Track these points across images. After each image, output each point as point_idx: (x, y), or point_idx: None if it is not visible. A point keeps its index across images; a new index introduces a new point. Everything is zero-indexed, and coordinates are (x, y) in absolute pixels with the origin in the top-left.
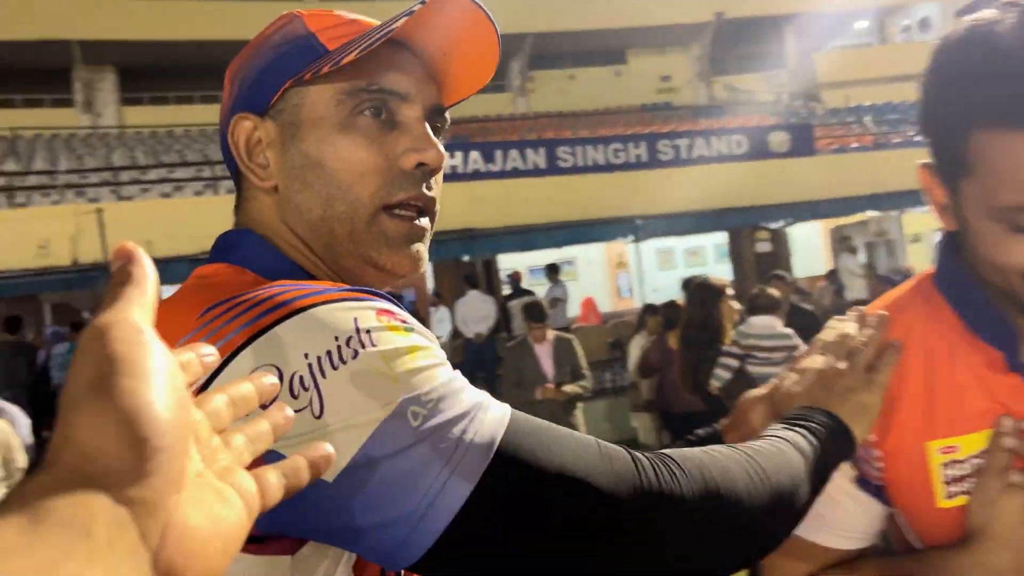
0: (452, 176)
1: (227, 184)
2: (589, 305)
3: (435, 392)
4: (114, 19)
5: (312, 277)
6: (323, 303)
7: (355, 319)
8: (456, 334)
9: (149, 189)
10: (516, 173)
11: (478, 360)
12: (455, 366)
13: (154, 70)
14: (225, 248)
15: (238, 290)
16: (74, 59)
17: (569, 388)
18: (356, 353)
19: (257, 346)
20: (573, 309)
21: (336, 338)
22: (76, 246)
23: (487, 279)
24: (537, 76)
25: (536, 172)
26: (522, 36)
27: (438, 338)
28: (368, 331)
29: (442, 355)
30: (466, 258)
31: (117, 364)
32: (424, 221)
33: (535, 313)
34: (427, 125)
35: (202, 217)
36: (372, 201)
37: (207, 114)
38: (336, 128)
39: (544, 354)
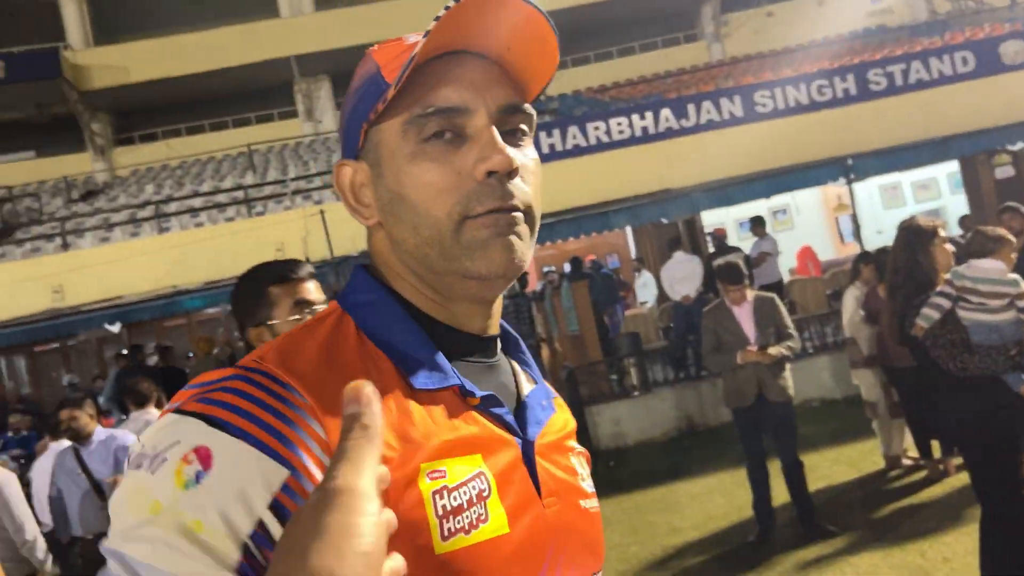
0: (644, 138)
1: None
2: (807, 255)
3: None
4: (324, 31)
5: (414, 305)
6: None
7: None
8: (663, 298)
9: None
10: (711, 126)
11: (688, 323)
12: (665, 331)
13: None
14: (345, 287)
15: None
16: (294, 73)
17: (773, 350)
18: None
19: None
20: (790, 260)
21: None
22: (306, 246)
23: (690, 239)
24: (731, 19)
25: (732, 121)
26: None
27: (643, 304)
28: (161, 460)
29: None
30: (664, 220)
31: (322, 536)
32: (516, 214)
33: (729, 274)
34: (494, 130)
35: None
36: (451, 217)
37: None
38: (407, 159)
39: (744, 316)
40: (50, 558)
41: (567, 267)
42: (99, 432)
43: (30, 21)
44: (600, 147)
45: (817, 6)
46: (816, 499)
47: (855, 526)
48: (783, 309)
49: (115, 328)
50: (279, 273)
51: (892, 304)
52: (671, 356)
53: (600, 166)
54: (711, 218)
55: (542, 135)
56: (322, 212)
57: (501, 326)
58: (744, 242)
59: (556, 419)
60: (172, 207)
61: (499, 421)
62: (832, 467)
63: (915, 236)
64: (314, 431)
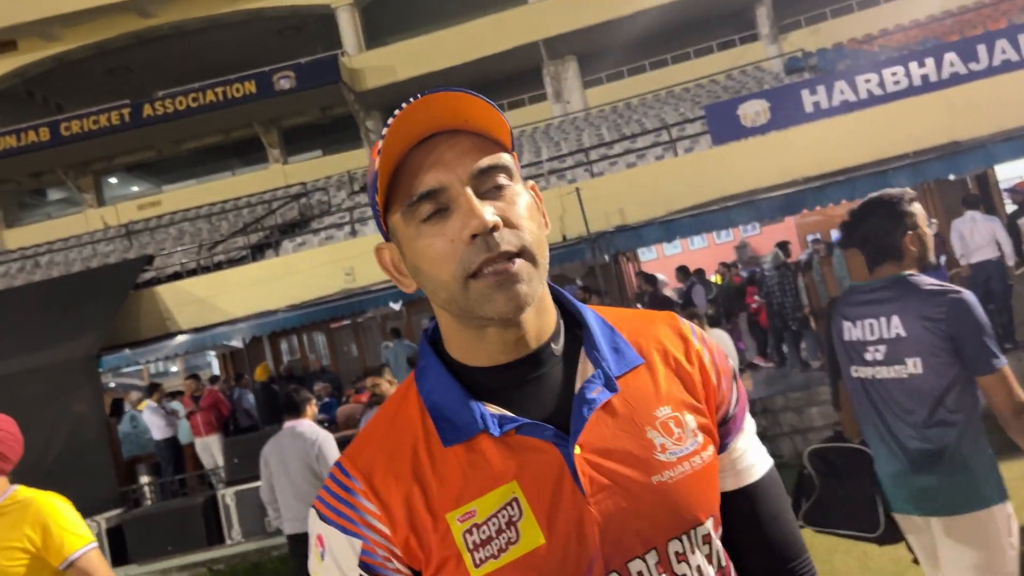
0: (925, 87)
1: (684, 144)
2: None
3: None
4: (568, 13)
5: (456, 361)
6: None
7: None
8: (952, 263)
9: (616, 162)
10: (1007, 67)
11: (986, 291)
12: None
13: (607, 50)
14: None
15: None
16: (542, 57)
17: None
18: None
19: None
20: None
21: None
22: (563, 224)
23: (983, 196)
24: None
25: None
26: None
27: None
28: (311, 546)
29: None
30: (952, 177)
31: None
32: (518, 263)
33: None
34: (471, 199)
35: (664, 180)
36: (455, 279)
37: (659, 79)
38: (413, 239)
39: None
40: None
41: (834, 235)
42: None
43: (313, 34)
44: (873, 101)
45: None
46: None
47: None
48: None
49: (397, 306)
50: None
51: None
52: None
53: (874, 121)
54: (1007, 172)
55: (804, 94)
56: (577, 190)
57: (572, 313)
58: None
59: (633, 393)
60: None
61: (540, 437)
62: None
63: None
64: (368, 508)
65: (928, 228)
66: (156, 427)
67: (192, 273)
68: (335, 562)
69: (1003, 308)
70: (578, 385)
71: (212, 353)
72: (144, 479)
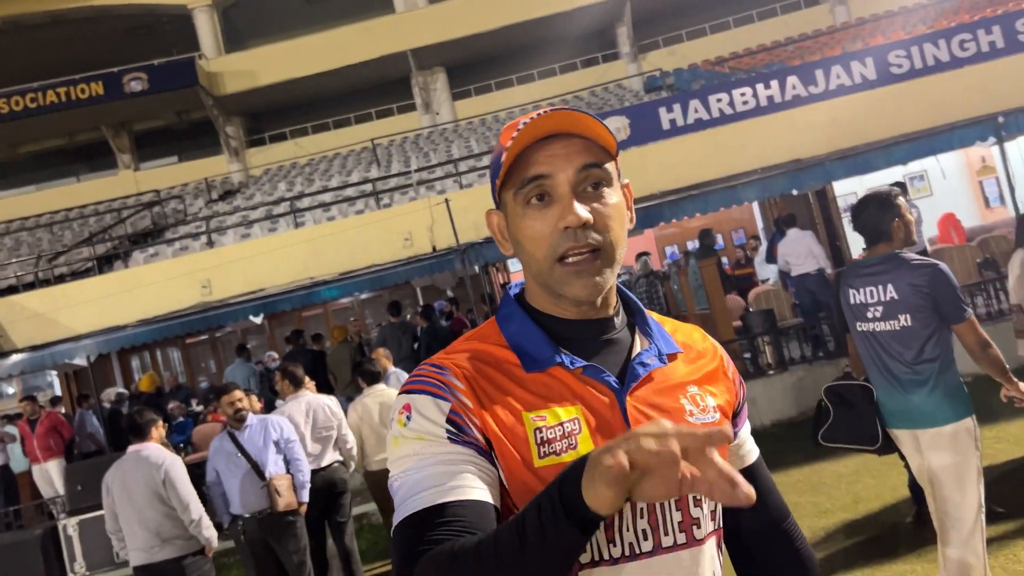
0: (771, 107)
1: None
2: (949, 222)
3: (397, 470)
4: (438, 24)
5: (539, 311)
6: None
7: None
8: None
9: (485, 174)
10: (842, 91)
11: (812, 301)
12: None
13: (476, 62)
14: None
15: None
16: (410, 67)
17: None
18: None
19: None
20: (930, 229)
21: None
22: (433, 235)
23: (822, 210)
24: None
25: (865, 85)
26: None
27: (764, 280)
28: (392, 420)
29: (416, 439)
30: (795, 192)
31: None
32: (598, 260)
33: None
34: (569, 194)
35: None
36: (547, 259)
37: (527, 94)
38: (519, 217)
39: None
40: (215, 534)
41: (691, 245)
42: (252, 417)
43: (167, 35)
44: (724, 119)
45: None
46: None
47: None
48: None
49: (258, 319)
50: None
51: None
52: (807, 333)
53: (725, 139)
54: (843, 188)
55: (662, 111)
56: (447, 201)
57: (627, 303)
58: None
59: (671, 370)
60: (305, 203)
61: (600, 380)
62: (994, 445)
63: None
64: (456, 385)
65: (910, 216)
66: None
67: (30, 287)
68: (422, 419)
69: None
70: (636, 351)
71: (53, 373)
72: None
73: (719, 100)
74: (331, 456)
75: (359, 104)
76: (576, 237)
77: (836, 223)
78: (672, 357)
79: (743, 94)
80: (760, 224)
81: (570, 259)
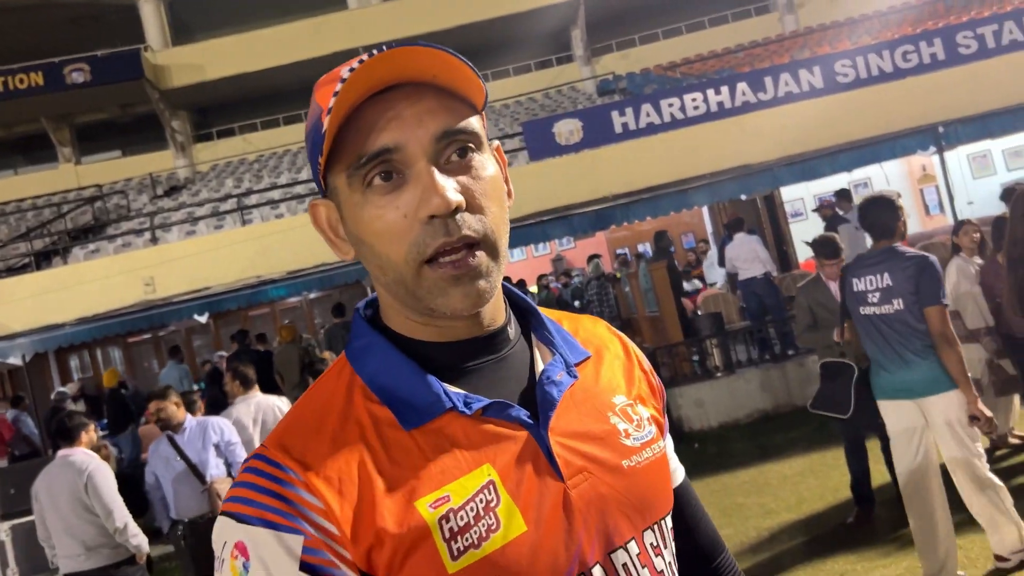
0: (721, 113)
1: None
2: None
3: None
4: (391, 21)
5: (404, 336)
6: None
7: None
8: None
9: None
10: (790, 98)
11: (759, 304)
12: (741, 310)
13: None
14: (353, 332)
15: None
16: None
17: None
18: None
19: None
20: None
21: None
22: None
23: (770, 215)
24: None
25: (812, 93)
26: None
27: (712, 284)
28: (222, 560)
29: None
30: (743, 197)
31: None
32: (478, 255)
33: (825, 249)
34: (432, 170)
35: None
36: (408, 264)
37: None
38: (357, 207)
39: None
40: (146, 541)
41: (641, 248)
42: (190, 419)
43: (112, 25)
44: (675, 124)
45: None
46: None
47: (960, 508)
48: None
49: (203, 318)
50: None
51: (1013, 276)
52: (754, 336)
53: (676, 143)
54: (790, 194)
55: (614, 115)
56: None
57: (517, 304)
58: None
59: (587, 383)
60: (252, 199)
61: (509, 419)
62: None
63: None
64: (309, 502)
65: (907, 215)
66: None
67: None
68: (267, 567)
69: (782, 319)
70: (540, 368)
71: None
72: None
73: (671, 105)
74: None
75: (307, 101)
76: (447, 229)
77: (783, 228)
78: (582, 366)
79: (694, 99)
80: (710, 228)
81: (443, 259)
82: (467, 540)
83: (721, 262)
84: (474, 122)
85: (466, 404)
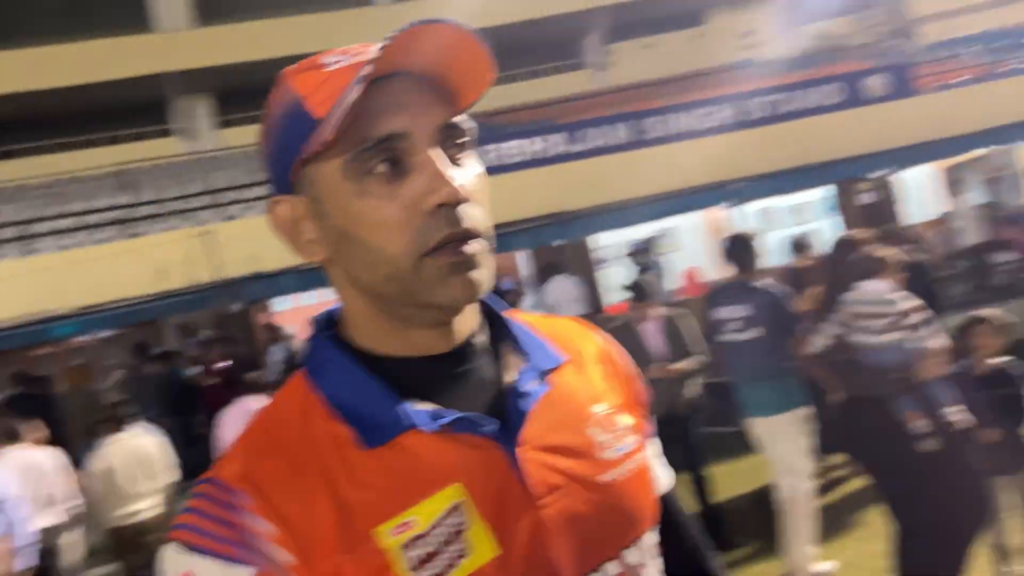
0: (537, 161)
1: None
2: (691, 274)
3: None
4: (205, 47)
5: (367, 350)
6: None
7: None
8: None
9: (253, 206)
10: (603, 150)
11: None
12: None
13: (249, 91)
14: (308, 349)
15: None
16: (170, 90)
17: (680, 365)
18: None
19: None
20: (677, 280)
21: None
22: (189, 269)
23: (578, 260)
24: (615, 49)
25: (624, 147)
26: (594, 11)
27: None
28: None
29: None
30: (562, 243)
31: None
32: (474, 245)
33: (635, 292)
34: (439, 155)
35: None
36: (408, 256)
37: None
38: (353, 197)
39: (652, 333)
40: None
41: None
42: None
43: None
44: (498, 170)
45: (696, 39)
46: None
47: (758, 538)
48: (694, 325)
49: None
50: None
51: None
52: None
53: (498, 189)
54: (601, 241)
55: None
56: (207, 233)
57: (484, 310)
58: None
59: (563, 391)
60: (38, 228)
61: (477, 434)
62: (728, 480)
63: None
64: (262, 530)
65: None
66: None
67: None
68: None
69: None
70: (509, 379)
71: None
72: None
73: (488, 152)
74: (51, 519)
75: (108, 125)
76: (453, 219)
77: (589, 271)
78: (557, 372)
79: (511, 148)
80: (523, 272)
81: (445, 249)
82: (434, 568)
83: (541, 303)
84: (468, 119)
85: (432, 419)
